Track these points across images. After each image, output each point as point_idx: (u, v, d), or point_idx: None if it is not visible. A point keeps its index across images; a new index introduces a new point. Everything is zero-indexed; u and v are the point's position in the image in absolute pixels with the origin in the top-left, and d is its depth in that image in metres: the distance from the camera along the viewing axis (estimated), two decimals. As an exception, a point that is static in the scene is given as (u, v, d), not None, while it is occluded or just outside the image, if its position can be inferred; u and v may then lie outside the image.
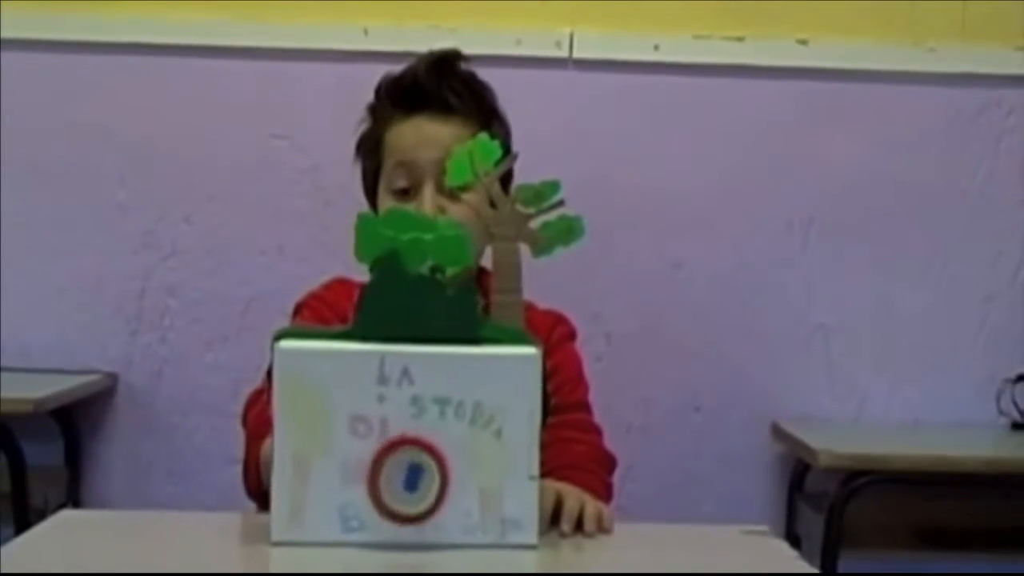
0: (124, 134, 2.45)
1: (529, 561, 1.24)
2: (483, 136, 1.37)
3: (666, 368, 2.48)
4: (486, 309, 1.29)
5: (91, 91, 2.45)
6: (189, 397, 2.47)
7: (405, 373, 1.21)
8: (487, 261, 1.38)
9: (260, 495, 1.46)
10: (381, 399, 1.21)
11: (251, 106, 2.45)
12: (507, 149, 1.62)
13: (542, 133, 2.16)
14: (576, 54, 2.44)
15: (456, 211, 1.59)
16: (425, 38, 2.07)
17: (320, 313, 1.67)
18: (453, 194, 1.58)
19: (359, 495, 1.21)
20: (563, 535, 1.34)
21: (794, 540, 2.41)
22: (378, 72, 1.78)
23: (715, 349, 2.48)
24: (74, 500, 2.43)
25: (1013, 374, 2.47)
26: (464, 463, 1.22)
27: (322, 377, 1.21)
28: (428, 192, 1.65)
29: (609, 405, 1.77)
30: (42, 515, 1.85)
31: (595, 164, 2.42)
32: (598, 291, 2.45)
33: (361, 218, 1.27)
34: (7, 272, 2.43)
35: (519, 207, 1.32)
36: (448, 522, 1.22)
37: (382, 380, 1.21)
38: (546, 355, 1.27)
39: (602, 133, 2.46)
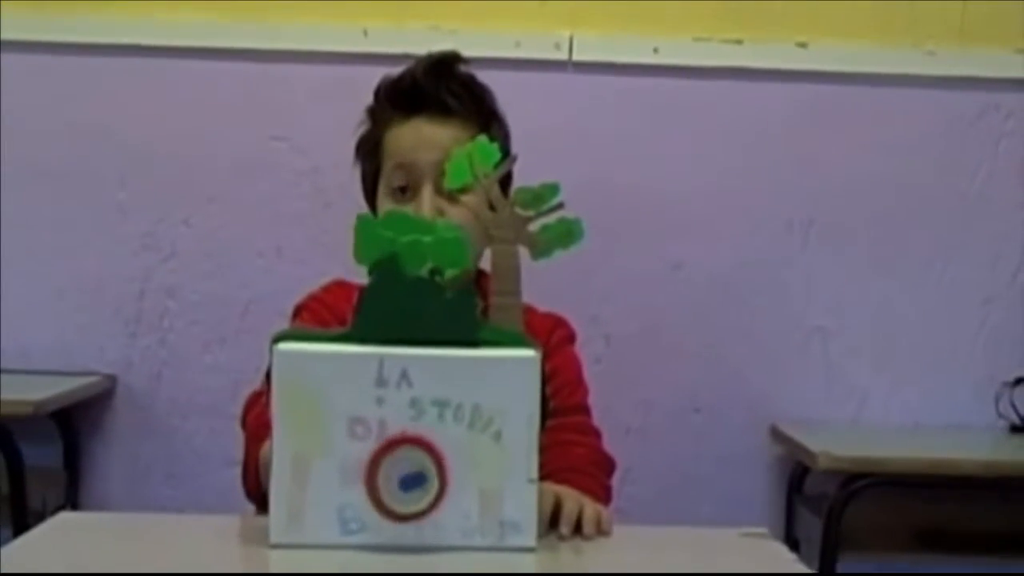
0: (124, 136, 2.45)
1: (528, 564, 1.24)
2: (482, 138, 1.37)
3: (665, 370, 2.48)
4: (485, 312, 1.30)
5: (91, 93, 2.45)
6: (188, 399, 2.47)
7: (404, 375, 1.21)
8: (486, 263, 1.38)
9: (259, 497, 1.45)
10: (380, 401, 1.21)
11: (250, 108, 2.45)
12: (506, 151, 1.62)
13: (541, 135, 2.16)
14: (576, 56, 2.44)
15: (455, 213, 1.59)
16: (425, 40, 2.07)
17: (319, 315, 1.67)
18: (452, 196, 1.58)
19: (358, 497, 1.22)
20: (562, 538, 1.34)
21: (793, 542, 2.41)
22: (378, 74, 1.78)
23: (714, 351, 2.48)
24: (73, 502, 2.43)
25: (1012, 377, 2.47)
26: (463, 465, 1.22)
27: (321, 379, 1.22)
28: (427, 194, 1.65)
29: (608, 407, 1.77)
30: (41, 517, 1.85)
31: (595, 166, 2.42)
32: (597, 293, 2.45)
33: (360, 220, 1.27)
34: (7, 274, 2.43)
35: (518, 210, 1.32)
36: (447, 524, 1.23)
37: (381, 382, 1.21)
38: (545, 358, 1.27)
39: (602, 135, 2.46)
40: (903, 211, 2.50)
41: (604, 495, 1.57)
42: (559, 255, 1.33)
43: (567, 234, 1.32)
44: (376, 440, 1.21)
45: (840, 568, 2.20)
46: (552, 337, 1.70)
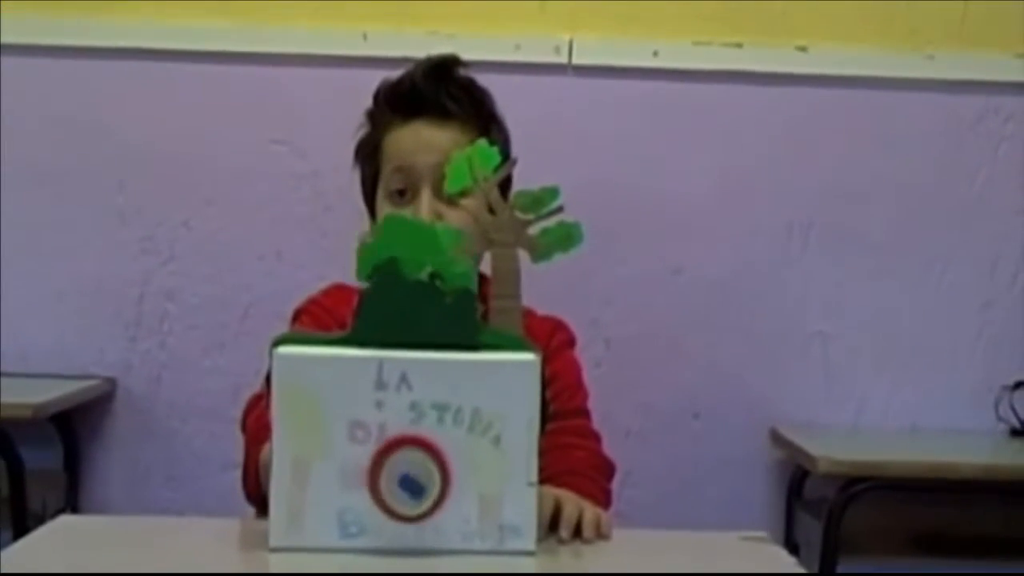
0: (124, 139, 2.45)
1: (527, 567, 1.24)
2: (482, 142, 1.37)
3: (665, 374, 2.48)
4: (485, 315, 1.29)
5: (91, 96, 2.45)
6: (188, 402, 2.47)
7: (403, 379, 1.21)
8: (486, 267, 1.38)
9: (259, 499, 1.45)
10: (379, 405, 1.21)
11: (250, 111, 2.45)
12: (506, 155, 1.62)
13: (541, 139, 2.16)
14: (575, 60, 2.44)
15: (454, 217, 1.58)
16: (424, 43, 2.07)
17: (319, 319, 1.67)
18: (451, 200, 1.58)
19: (358, 500, 1.22)
20: (561, 541, 1.34)
21: (792, 546, 2.41)
22: (377, 77, 1.78)
23: (714, 354, 2.48)
24: (73, 505, 2.43)
25: (1011, 380, 2.47)
26: (463, 469, 1.22)
27: (321, 383, 1.22)
28: (426, 197, 1.65)
29: (608, 411, 1.77)
30: (40, 520, 1.85)
31: (594, 170, 2.42)
32: (597, 297, 2.45)
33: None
34: (7, 277, 2.43)
35: (518, 213, 1.32)
36: (447, 527, 1.23)
37: (380, 386, 1.21)
38: (545, 361, 1.27)
39: (601, 139, 2.46)
40: (903, 214, 2.50)
41: (604, 499, 1.57)
42: (559, 258, 1.33)
43: (567, 238, 1.32)
44: (376, 443, 1.21)
45: (840, 571, 2.20)
46: (552, 341, 1.70)
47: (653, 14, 2.45)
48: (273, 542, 1.23)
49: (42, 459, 2.39)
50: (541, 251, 1.32)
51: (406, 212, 1.64)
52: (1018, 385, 2.46)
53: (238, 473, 1.56)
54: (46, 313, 2.45)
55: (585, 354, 1.80)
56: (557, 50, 2.43)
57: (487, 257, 1.35)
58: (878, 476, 2.18)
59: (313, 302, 1.73)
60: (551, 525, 1.35)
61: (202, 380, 2.46)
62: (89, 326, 2.46)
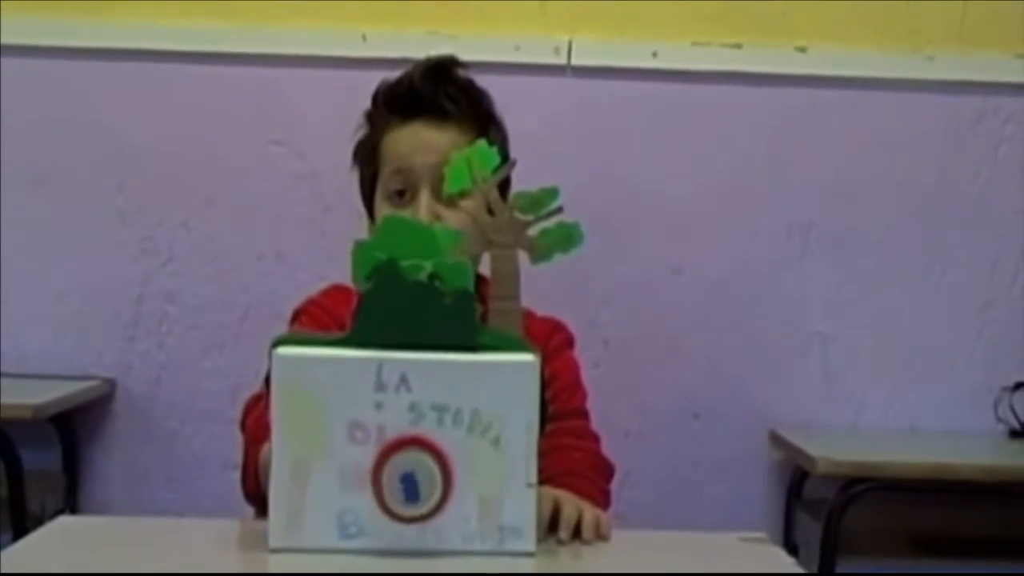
0: (123, 140, 2.45)
1: (527, 568, 1.24)
2: (481, 143, 1.37)
3: (664, 374, 2.48)
4: (484, 316, 1.29)
5: (90, 97, 2.45)
6: (187, 403, 2.47)
7: (403, 380, 1.21)
8: (485, 268, 1.38)
9: (259, 499, 1.45)
10: (379, 406, 1.21)
11: (250, 112, 2.45)
12: (505, 156, 1.62)
13: (540, 139, 2.16)
14: (575, 61, 2.44)
15: (453, 218, 1.58)
16: (424, 44, 2.07)
17: (319, 319, 1.67)
18: (450, 201, 1.58)
19: (357, 501, 1.21)
20: (561, 542, 1.34)
21: (792, 547, 2.41)
22: (377, 78, 1.78)
23: (713, 355, 2.48)
24: (72, 506, 2.43)
25: (1011, 382, 2.47)
26: (462, 470, 1.22)
27: (320, 384, 1.21)
28: (424, 198, 1.65)
29: (607, 412, 1.77)
30: (39, 521, 1.85)
31: (594, 170, 2.42)
32: (596, 297, 2.45)
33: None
34: (6, 278, 2.43)
35: (517, 214, 1.32)
36: (447, 528, 1.22)
37: (380, 387, 1.21)
38: (544, 362, 1.27)
39: (601, 139, 2.46)
40: (903, 215, 2.50)
41: (603, 499, 1.57)
42: (558, 259, 1.33)
43: (566, 238, 1.32)
44: (375, 444, 1.21)
45: (839, 572, 2.20)
46: (551, 341, 1.70)
47: (652, 15, 2.45)
48: (273, 543, 1.23)
49: (41, 460, 2.39)
50: (540, 252, 1.32)
51: (405, 213, 1.64)
52: (1018, 386, 2.47)
53: (237, 474, 1.56)
54: (46, 314, 2.45)
55: (584, 355, 1.80)
56: (556, 51, 2.43)
57: (486, 258, 1.35)
58: (877, 477, 2.18)
59: (312, 303, 1.73)
60: (550, 526, 1.35)
61: (201, 381, 2.46)
62: (89, 327, 2.46)
